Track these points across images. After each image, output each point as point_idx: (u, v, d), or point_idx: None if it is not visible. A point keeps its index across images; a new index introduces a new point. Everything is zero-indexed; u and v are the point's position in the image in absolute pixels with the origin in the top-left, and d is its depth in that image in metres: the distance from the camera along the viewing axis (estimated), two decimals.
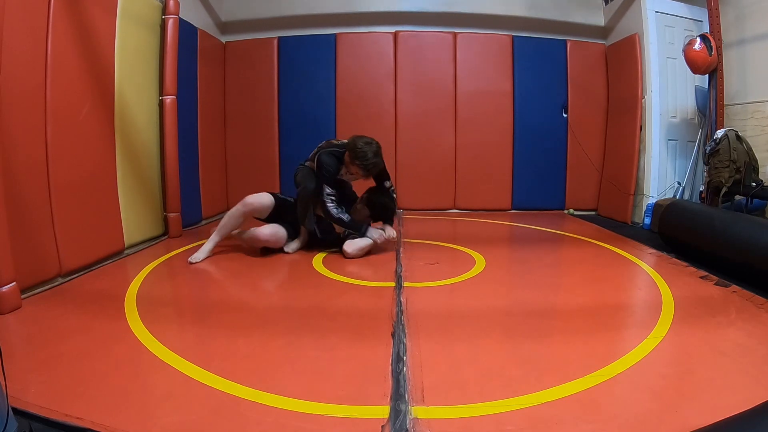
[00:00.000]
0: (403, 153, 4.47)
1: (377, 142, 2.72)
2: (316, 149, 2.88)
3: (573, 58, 4.48)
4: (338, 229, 2.87)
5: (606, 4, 4.49)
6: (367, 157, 2.63)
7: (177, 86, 3.19)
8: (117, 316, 1.76)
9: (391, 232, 2.88)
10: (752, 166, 3.05)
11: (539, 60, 4.47)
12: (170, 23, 3.14)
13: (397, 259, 2.71)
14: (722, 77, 3.43)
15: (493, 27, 4.50)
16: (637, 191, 3.97)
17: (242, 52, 4.45)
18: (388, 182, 2.97)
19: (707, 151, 3.23)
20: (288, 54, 4.43)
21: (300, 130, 4.42)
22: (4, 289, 1.73)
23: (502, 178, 4.56)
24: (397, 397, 1.20)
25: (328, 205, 2.72)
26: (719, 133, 3.18)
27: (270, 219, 2.80)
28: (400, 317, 1.77)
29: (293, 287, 2.18)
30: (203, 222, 3.91)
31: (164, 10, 3.15)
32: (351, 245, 2.73)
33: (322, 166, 2.74)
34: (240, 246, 2.87)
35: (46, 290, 2.06)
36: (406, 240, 3.24)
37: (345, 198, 2.91)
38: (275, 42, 4.43)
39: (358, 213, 2.91)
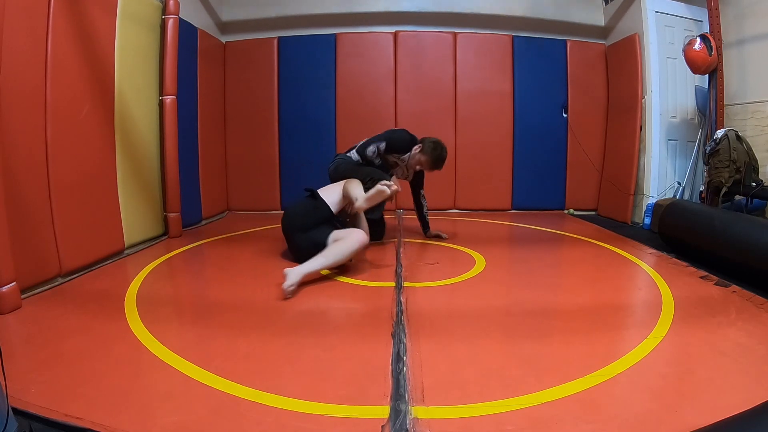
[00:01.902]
0: None
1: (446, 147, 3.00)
2: (363, 141, 3.02)
3: (573, 58, 4.48)
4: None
5: (606, 4, 4.48)
6: (436, 152, 2.92)
7: (177, 86, 3.19)
8: (117, 316, 1.76)
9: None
10: (752, 166, 3.05)
11: (539, 60, 4.46)
12: (170, 23, 3.14)
13: (397, 259, 2.70)
14: (722, 77, 3.43)
15: (493, 27, 4.50)
16: (637, 191, 3.97)
17: (242, 52, 4.44)
18: (422, 190, 3.26)
19: (707, 151, 3.23)
20: (288, 54, 4.43)
21: (300, 130, 4.42)
22: (4, 289, 1.73)
23: (502, 178, 4.55)
24: (397, 397, 1.20)
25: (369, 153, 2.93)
26: (719, 133, 3.18)
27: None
28: (400, 317, 1.77)
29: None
30: (203, 222, 3.91)
31: (164, 10, 3.15)
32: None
33: (394, 134, 3.00)
34: (240, 246, 2.86)
35: (46, 290, 2.06)
36: (406, 240, 3.25)
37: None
38: (275, 42, 4.43)
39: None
